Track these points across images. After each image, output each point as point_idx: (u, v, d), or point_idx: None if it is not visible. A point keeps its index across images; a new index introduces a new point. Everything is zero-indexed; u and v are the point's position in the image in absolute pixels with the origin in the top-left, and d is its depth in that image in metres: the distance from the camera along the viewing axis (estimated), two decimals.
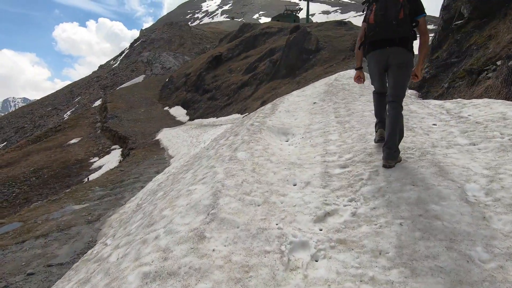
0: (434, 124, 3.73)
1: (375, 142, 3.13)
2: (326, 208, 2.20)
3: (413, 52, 2.70)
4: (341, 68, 22.70)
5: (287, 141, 4.32)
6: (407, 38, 2.61)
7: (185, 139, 17.27)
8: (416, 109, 4.52)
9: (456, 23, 9.38)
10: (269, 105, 6.62)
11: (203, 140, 12.38)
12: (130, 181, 10.90)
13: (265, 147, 3.60)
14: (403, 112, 4.24)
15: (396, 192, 2.18)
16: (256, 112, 6.26)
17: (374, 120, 4.09)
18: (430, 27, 34.54)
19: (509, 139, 2.81)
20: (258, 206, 2.34)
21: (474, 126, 3.34)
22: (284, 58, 27.27)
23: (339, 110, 4.95)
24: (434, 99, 7.68)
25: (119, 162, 18.58)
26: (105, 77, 59.78)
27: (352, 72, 8.88)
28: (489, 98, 5.67)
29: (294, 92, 7.79)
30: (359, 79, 3.04)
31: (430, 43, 12.09)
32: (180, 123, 30.92)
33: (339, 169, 2.81)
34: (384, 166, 2.56)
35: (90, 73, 72.85)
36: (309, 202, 2.33)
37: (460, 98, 6.67)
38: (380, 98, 3.11)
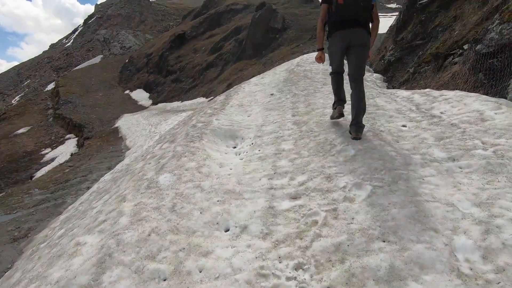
0: (403, 126, 3.11)
1: (332, 119, 3.30)
2: (261, 284, 1.46)
3: (370, 33, 2.92)
4: (307, 48, 21.91)
5: (235, 147, 3.52)
6: (368, 20, 2.86)
7: (145, 127, 15.83)
8: (384, 104, 3.90)
9: (421, 2, 8.87)
10: (221, 97, 5.71)
11: (159, 132, 11.21)
12: (77, 180, 9.61)
13: (199, 164, 2.76)
14: (369, 109, 3.60)
15: (360, 255, 1.49)
16: (206, 107, 5.34)
17: (336, 121, 3.41)
18: (393, 5, 34.49)
19: (494, 152, 2.23)
20: (164, 281, 1.55)
21: (450, 131, 2.75)
22: (250, 37, 25.87)
23: (298, 105, 4.19)
24: (400, 85, 7.22)
25: (71, 155, 16.75)
26: (58, 58, 54.03)
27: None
28: (456, 85, 5.24)
29: (253, 80, 6.90)
30: (320, 59, 3.15)
31: (395, 22, 11.62)
32: (142, 107, 28.77)
33: (288, 202, 2.08)
34: (355, 138, 2.74)
35: (40, 52, 65.59)
36: (240, 269, 1.57)
37: (425, 84, 6.22)
38: (339, 78, 3.21)
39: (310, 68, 6.58)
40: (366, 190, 1.97)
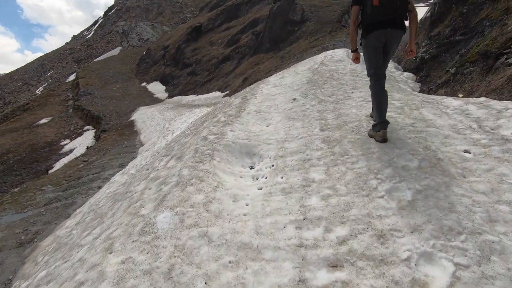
0: (466, 152, 2.43)
1: (370, 136, 2.89)
2: None
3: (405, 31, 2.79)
4: (327, 42, 20.81)
5: (252, 167, 2.94)
6: (404, 18, 2.69)
7: (159, 122, 15.54)
8: (433, 118, 3.18)
9: None
10: (237, 100, 5.11)
11: (172, 130, 10.80)
12: (89, 177, 9.38)
13: (208, 198, 2.21)
14: (418, 125, 2.93)
15: None
16: (219, 111, 4.78)
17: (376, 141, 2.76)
18: None
19: None
20: None
21: None
22: (267, 30, 24.94)
23: (326, 116, 3.54)
24: (438, 87, 6.35)
25: (87, 148, 16.75)
26: (79, 49, 54.95)
27: (340, 53, 7.33)
28: None
29: (271, 79, 6.24)
30: (357, 59, 3.03)
31: (428, 14, 10.56)
32: (158, 100, 28.64)
33: (325, 273, 1.49)
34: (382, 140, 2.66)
35: (63, 44, 67.05)
36: None
37: (472, 88, 5.37)
38: (382, 89, 2.87)
39: (336, 68, 5.85)
40: (445, 269, 1.34)
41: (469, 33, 6.83)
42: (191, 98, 25.11)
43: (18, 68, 57.13)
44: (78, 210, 6.21)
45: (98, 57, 47.19)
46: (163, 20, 54.04)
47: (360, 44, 2.91)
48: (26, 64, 58.74)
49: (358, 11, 2.80)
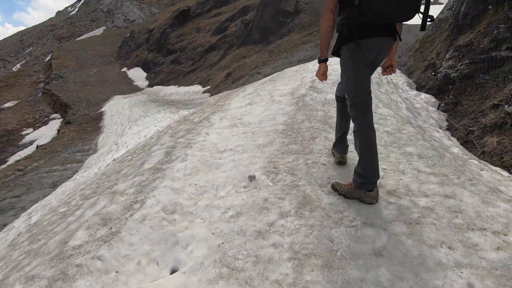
0: None
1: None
2: None
3: None
4: None
5: None
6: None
7: (123, 121, 12.90)
8: None
9: None
10: (155, 158, 2.69)
11: (120, 144, 8.29)
12: (3, 205, 6.88)
13: None
14: None
15: None
16: (115, 186, 2.41)
17: None
18: None
19: None
20: None
21: None
22: (257, 20, 22.03)
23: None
24: (485, 132, 4.08)
25: (36, 147, 13.96)
26: (61, 26, 50.00)
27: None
28: None
29: (234, 104, 3.83)
30: (325, 75, 1.87)
31: (443, 15, 8.26)
32: (137, 89, 25.54)
33: None
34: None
35: (47, 19, 61.25)
36: None
37: None
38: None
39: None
40: None
41: None
42: (170, 90, 22.27)
43: None
44: None
45: (81, 36, 42.92)
46: (151, 0, 49.53)
47: (337, 55, 1.78)
48: (4, 39, 53.38)
49: None
